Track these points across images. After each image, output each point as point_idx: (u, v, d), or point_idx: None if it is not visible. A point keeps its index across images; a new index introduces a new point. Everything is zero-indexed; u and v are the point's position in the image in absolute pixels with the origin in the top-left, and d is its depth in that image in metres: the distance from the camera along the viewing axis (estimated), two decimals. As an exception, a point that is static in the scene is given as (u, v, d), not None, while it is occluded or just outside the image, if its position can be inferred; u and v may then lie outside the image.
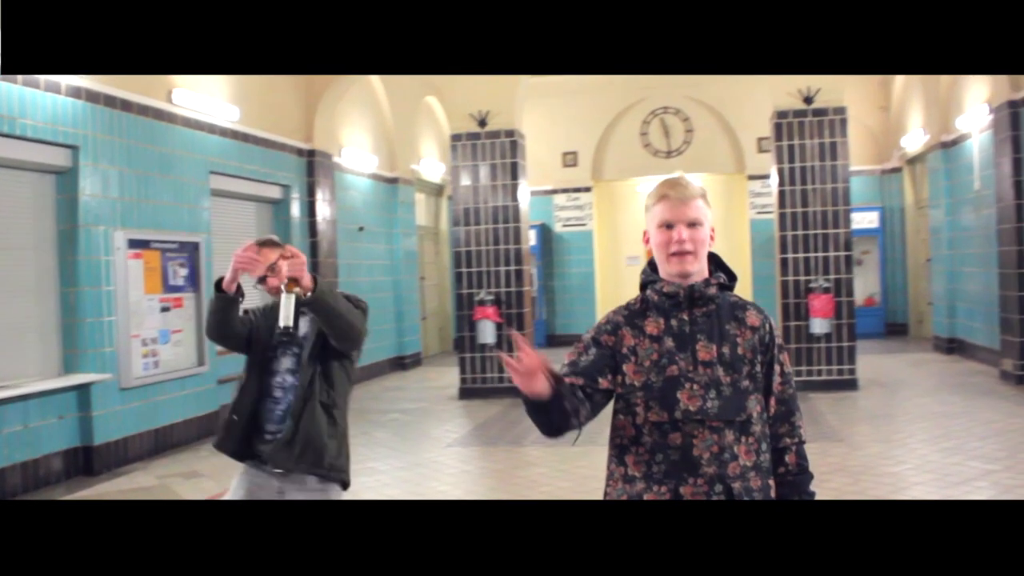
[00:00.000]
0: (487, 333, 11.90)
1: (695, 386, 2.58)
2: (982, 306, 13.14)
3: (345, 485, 3.90)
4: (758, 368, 2.65)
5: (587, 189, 18.73)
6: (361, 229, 14.03)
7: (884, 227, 17.87)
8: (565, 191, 18.76)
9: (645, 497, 2.59)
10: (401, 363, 15.32)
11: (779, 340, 2.74)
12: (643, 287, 2.77)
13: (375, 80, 14.70)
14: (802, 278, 11.55)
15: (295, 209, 12.01)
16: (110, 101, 8.53)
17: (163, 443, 9.12)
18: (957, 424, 9.15)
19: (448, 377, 14.34)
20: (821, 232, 11.53)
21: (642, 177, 18.84)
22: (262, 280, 3.90)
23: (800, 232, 11.57)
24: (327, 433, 3.79)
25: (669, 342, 2.62)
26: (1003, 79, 11.24)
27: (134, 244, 8.78)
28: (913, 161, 17.01)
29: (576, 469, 8.01)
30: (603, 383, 2.64)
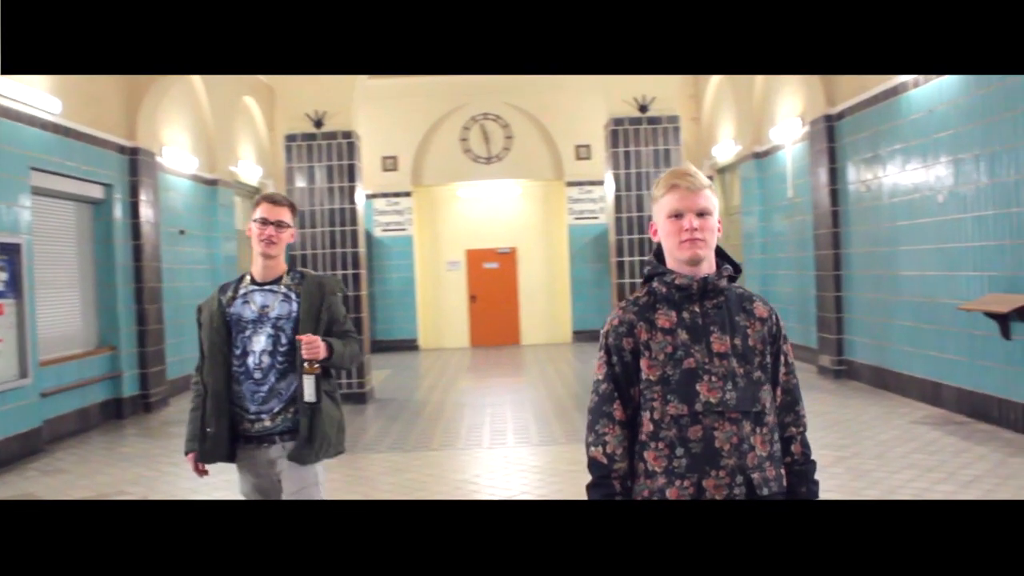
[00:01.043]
0: (326, 339, 11.54)
1: (713, 378, 2.57)
2: (795, 306, 13.93)
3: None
4: (768, 359, 2.67)
5: (407, 194, 18.59)
6: (182, 232, 13.33)
7: (694, 233, 18.64)
8: (385, 195, 18.55)
9: (667, 492, 2.56)
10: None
11: (784, 331, 2.77)
12: (648, 279, 2.74)
13: (196, 77, 14.02)
14: (638, 281, 11.83)
15: (118, 210, 11.25)
16: (-76, 87, 7.72)
17: (-15, 463, 8.32)
18: (795, 417, 9.61)
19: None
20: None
21: (462, 182, 18.92)
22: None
23: (636, 236, 11.88)
24: (335, 424, 3.85)
25: (683, 335, 2.60)
26: (819, 94, 11.97)
27: (-48, 245, 7.98)
28: (723, 170, 17.85)
29: (447, 473, 7.89)
30: (635, 391, 2.64)
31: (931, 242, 9.49)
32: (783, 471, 2.67)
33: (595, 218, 18.79)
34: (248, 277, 3.89)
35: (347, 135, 11.84)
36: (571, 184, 18.68)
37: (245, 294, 3.84)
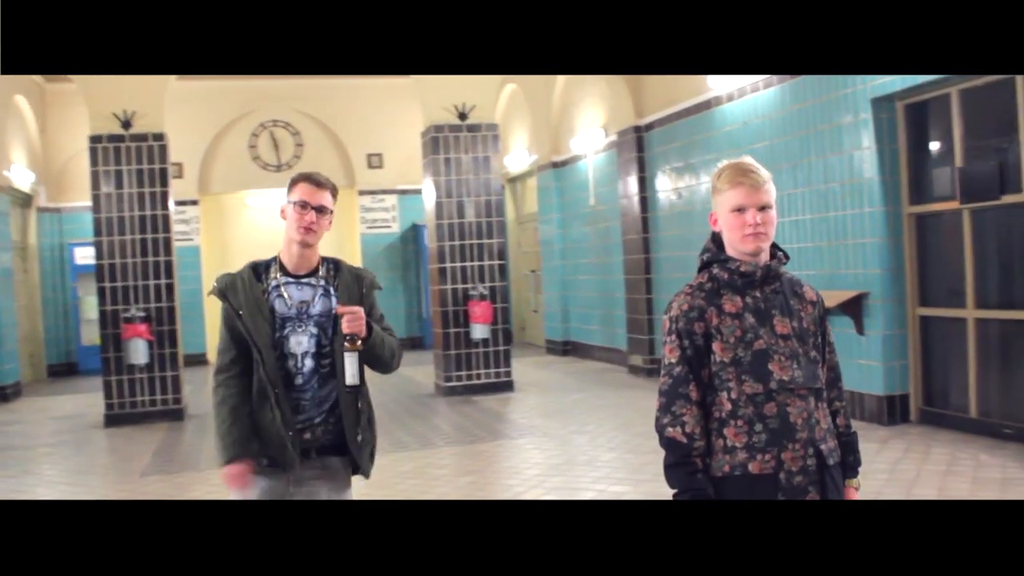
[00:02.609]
0: (139, 353, 10.89)
1: (782, 358, 2.77)
2: (600, 310, 14.51)
3: None
4: (819, 340, 2.90)
5: (194, 202, 17.80)
6: (-41, 242, 12.18)
7: (487, 241, 19.03)
8: (168, 204, 17.67)
9: (749, 467, 2.72)
10: (1, 393, 13.45)
11: (826, 313, 3.01)
12: (706, 265, 2.89)
13: (-32, 72, 12.83)
14: (460, 286, 11.97)
15: None
16: None
17: None
18: (629, 412, 10.06)
19: (70, 405, 12.92)
20: (477, 242, 12.05)
21: (251, 190, 18.38)
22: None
23: (457, 242, 11.99)
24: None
25: (750, 318, 2.78)
26: (628, 106, 12.58)
27: None
28: (514, 179, 18.31)
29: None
30: (706, 373, 2.78)
31: (747, 245, 10.19)
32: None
33: (388, 227, 18.77)
34: (276, 266, 3.48)
35: (158, 137, 11.26)
36: (363, 193, 18.55)
37: (277, 286, 3.43)
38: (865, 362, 8.48)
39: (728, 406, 2.73)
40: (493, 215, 12.10)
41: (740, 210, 2.77)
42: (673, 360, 2.78)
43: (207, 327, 18.03)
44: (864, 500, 2.99)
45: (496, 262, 12.12)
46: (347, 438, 3.39)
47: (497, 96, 12.84)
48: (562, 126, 15.56)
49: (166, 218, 11.26)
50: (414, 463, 8.23)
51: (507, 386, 12.07)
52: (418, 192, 17.64)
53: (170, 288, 11.24)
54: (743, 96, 10.11)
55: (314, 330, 3.41)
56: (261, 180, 18.24)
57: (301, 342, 3.40)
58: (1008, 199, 7.31)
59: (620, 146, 12.94)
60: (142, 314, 10.97)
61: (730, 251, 2.83)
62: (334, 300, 3.44)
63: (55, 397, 14.01)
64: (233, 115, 17.91)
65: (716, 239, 2.91)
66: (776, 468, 2.71)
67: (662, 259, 12.24)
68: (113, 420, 10.95)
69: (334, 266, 3.54)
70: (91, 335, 16.34)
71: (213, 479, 8.04)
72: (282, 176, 18.23)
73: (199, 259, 17.81)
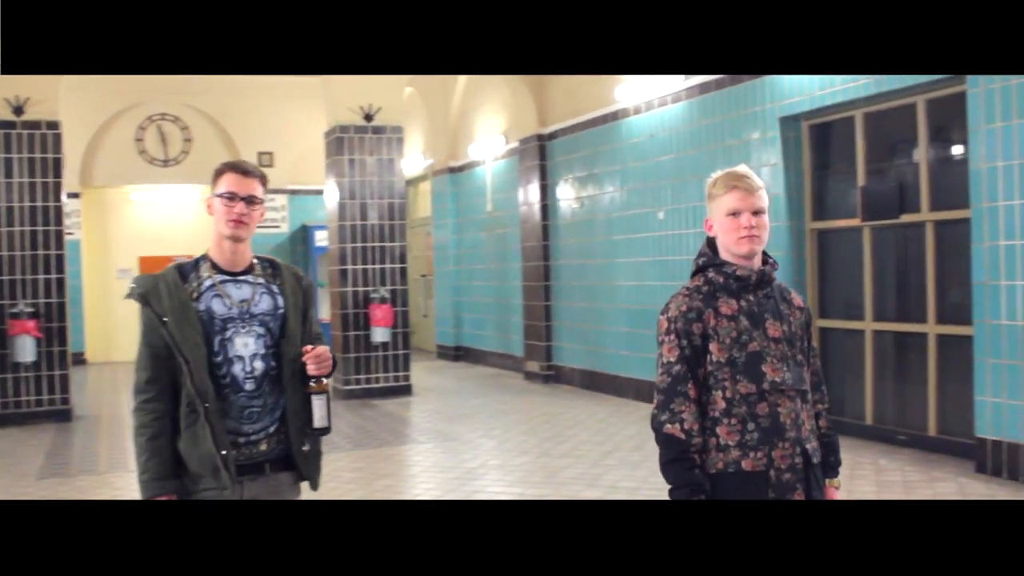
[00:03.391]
0: (26, 350, 10.44)
1: (774, 360, 2.90)
2: (495, 316, 14.61)
3: None
4: (806, 344, 3.05)
5: (75, 195, 17.10)
6: None
7: (379, 244, 18.91)
8: (46, 196, 16.94)
9: (743, 464, 2.83)
10: None
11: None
12: (701, 269, 3.00)
13: None
14: (361, 289, 11.89)
15: None
16: None
17: None
18: (532, 418, 10.18)
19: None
20: (379, 245, 11.99)
21: (136, 185, 17.80)
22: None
23: (359, 244, 11.90)
24: None
25: (744, 321, 2.91)
26: (531, 114, 12.74)
27: None
28: (407, 183, 18.23)
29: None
30: (702, 372, 2.88)
31: (650, 255, 10.45)
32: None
33: (277, 227, 18.47)
34: (207, 264, 3.18)
35: (52, 125, 10.84)
36: (255, 192, 18.16)
37: (213, 285, 3.13)
38: (767, 370, 8.79)
39: (722, 404, 2.84)
40: (396, 218, 12.07)
41: (735, 214, 2.88)
42: (672, 359, 2.87)
43: (86, 326, 17.40)
44: (853, 500, 3.13)
45: (398, 265, 12.08)
46: (292, 449, 3.19)
47: (402, 98, 12.79)
48: (460, 131, 15.63)
49: (58, 210, 10.84)
50: (326, 467, 8.09)
51: (406, 390, 12.04)
52: (309, 192, 17.52)
53: (60, 283, 10.82)
54: (650, 109, 10.36)
55: (260, 329, 3.18)
56: (147, 175, 17.67)
57: (247, 343, 3.16)
58: (907, 218, 7.73)
59: (522, 153, 13.09)
60: (30, 310, 10.52)
61: (724, 255, 2.94)
62: (280, 300, 3.23)
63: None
64: (119, 106, 17.31)
65: (711, 244, 3.01)
66: (767, 466, 2.83)
67: (562, 266, 12.43)
68: (-5, 421, 10.46)
69: (270, 264, 3.32)
70: (-39, 331, 15.54)
71: (114, 482, 7.81)
72: (169, 171, 17.79)
73: (79, 255, 17.14)
